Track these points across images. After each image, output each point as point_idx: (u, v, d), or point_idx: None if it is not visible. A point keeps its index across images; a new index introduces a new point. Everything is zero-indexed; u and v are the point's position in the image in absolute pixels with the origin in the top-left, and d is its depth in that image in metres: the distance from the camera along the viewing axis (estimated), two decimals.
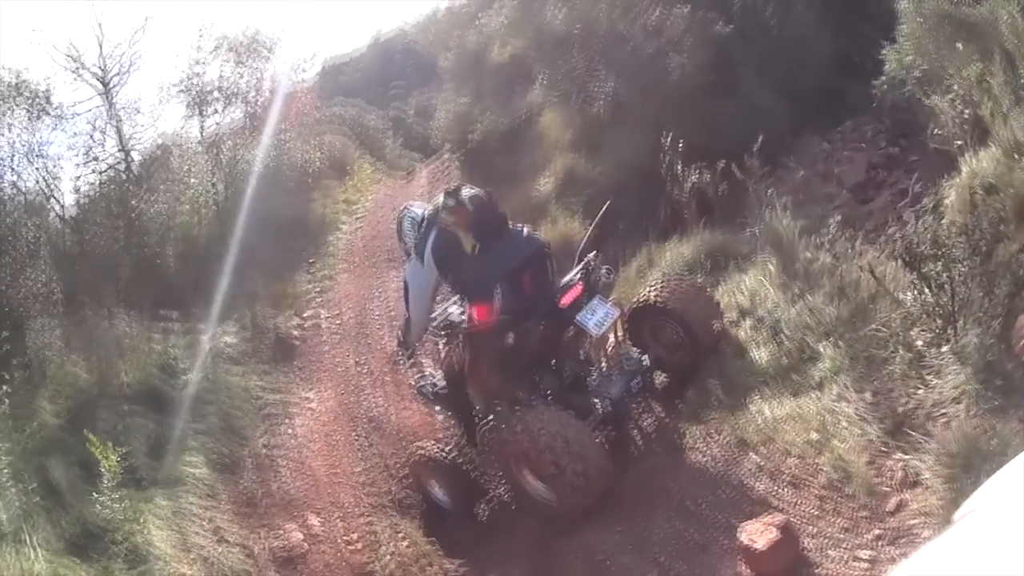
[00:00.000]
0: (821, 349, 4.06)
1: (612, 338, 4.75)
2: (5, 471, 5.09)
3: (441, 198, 4.51)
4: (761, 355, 4.46)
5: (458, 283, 4.55)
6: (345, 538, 5.09)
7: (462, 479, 4.82)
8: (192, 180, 12.97)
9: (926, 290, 3.45)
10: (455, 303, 4.80)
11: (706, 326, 4.70)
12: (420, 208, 4.91)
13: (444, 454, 4.88)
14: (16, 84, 11.40)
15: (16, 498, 4.95)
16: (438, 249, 4.45)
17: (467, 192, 4.51)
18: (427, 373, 5.49)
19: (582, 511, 4.03)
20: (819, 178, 5.87)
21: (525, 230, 4.69)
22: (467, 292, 4.50)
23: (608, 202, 5.51)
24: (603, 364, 4.65)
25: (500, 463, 4.43)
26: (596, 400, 4.52)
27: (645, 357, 4.77)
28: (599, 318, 4.38)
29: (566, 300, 4.43)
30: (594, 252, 4.78)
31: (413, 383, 5.59)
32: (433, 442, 5.13)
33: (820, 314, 4.23)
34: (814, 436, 3.57)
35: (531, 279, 4.46)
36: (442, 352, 5.01)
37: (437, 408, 5.29)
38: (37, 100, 11.55)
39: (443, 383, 5.00)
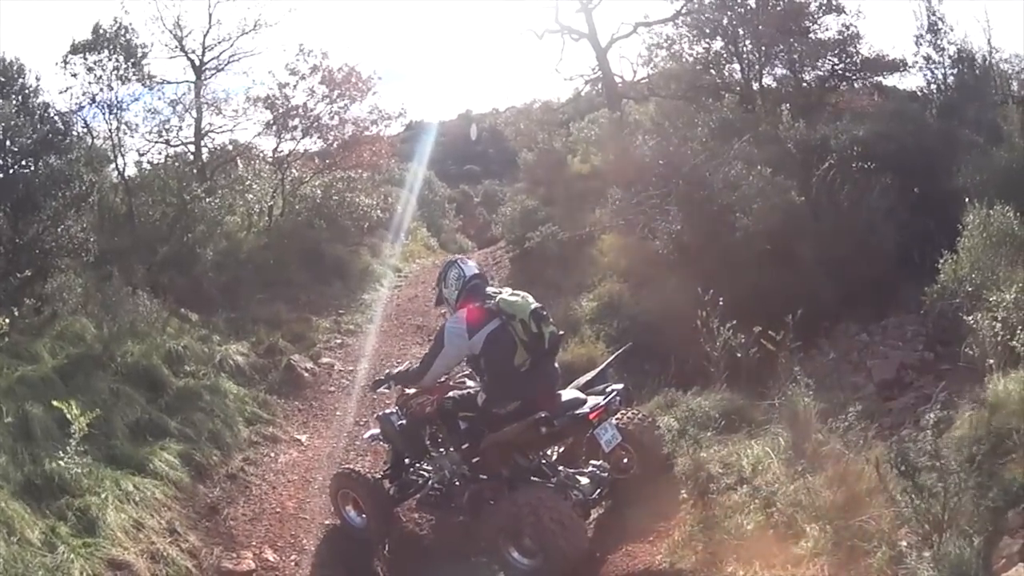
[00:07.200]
0: (808, 529, 3.98)
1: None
2: None
3: (530, 309, 4.80)
4: (748, 522, 4.38)
5: (488, 377, 4.92)
6: None
7: (382, 504, 5.38)
8: (252, 190, 13.16)
9: (917, 498, 3.43)
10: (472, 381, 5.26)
11: (654, 453, 5.18)
12: (475, 268, 5.24)
13: (370, 477, 5.43)
14: (114, 33, 11.57)
15: None
16: (493, 341, 4.79)
17: (551, 327, 4.92)
18: (395, 410, 5.68)
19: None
20: (850, 366, 5.91)
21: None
22: (490, 387, 4.92)
23: (630, 344, 6.18)
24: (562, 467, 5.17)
25: (487, 530, 4.74)
26: (569, 488, 4.91)
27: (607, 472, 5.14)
28: (609, 437, 4.90)
29: (594, 415, 4.81)
30: (620, 387, 5.15)
31: (380, 413, 5.81)
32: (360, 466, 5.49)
33: (816, 496, 4.18)
34: None
35: (543, 398, 4.88)
36: (411, 399, 5.45)
37: (382, 437, 5.66)
38: (132, 57, 11.67)
39: (403, 421, 5.48)
